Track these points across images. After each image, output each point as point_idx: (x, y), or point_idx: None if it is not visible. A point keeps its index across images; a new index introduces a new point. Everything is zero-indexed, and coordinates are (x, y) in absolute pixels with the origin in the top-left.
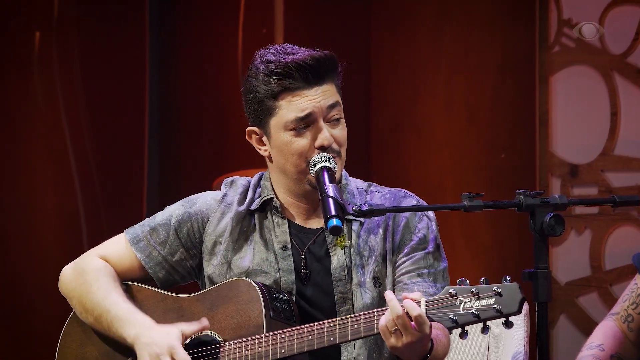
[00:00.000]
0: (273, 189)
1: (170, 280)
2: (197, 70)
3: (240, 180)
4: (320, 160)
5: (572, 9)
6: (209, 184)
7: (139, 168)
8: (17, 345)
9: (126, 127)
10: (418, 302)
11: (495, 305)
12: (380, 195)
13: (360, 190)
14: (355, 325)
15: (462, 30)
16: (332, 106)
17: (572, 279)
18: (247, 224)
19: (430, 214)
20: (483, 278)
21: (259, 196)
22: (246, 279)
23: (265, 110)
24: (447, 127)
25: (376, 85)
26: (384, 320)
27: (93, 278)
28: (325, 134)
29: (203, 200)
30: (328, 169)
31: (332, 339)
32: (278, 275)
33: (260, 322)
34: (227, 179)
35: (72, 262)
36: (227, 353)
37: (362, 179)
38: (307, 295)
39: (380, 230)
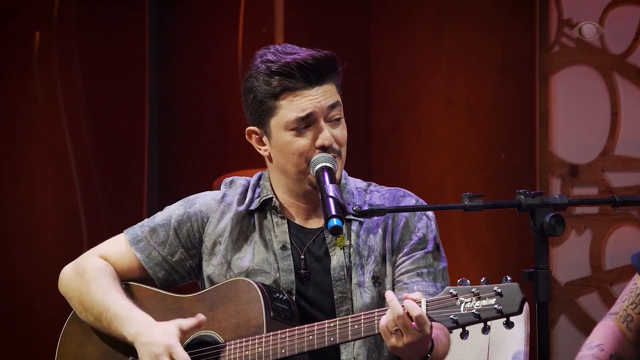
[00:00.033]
0: (272, 189)
1: (170, 281)
2: (197, 70)
3: (240, 180)
4: (320, 160)
5: (572, 9)
6: (209, 184)
7: (139, 168)
8: (17, 345)
9: (126, 127)
10: (419, 302)
11: (496, 306)
12: (379, 194)
13: (360, 190)
14: (356, 326)
15: (462, 30)
16: (332, 106)
17: (572, 279)
18: (246, 224)
19: (430, 213)
20: (484, 278)
21: (258, 196)
22: (246, 279)
23: (265, 110)
24: (447, 127)
25: (376, 85)
26: (385, 320)
27: (92, 277)
28: (326, 134)
29: (203, 201)
30: (328, 169)
31: (332, 339)
32: (278, 275)
33: (260, 322)
34: (226, 178)
35: (72, 262)
36: (227, 353)
37: (362, 179)
38: (307, 295)
39: (380, 230)
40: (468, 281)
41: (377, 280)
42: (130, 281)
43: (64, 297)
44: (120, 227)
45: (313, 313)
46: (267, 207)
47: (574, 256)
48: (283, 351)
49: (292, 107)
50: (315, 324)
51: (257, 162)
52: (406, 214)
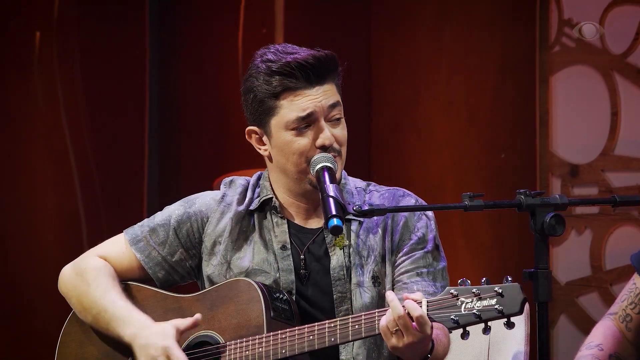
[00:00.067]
0: (272, 188)
1: (170, 281)
2: (197, 70)
3: (239, 180)
4: (321, 160)
5: (572, 9)
6: (209, 184)
7: (139, 168)
8: (17, 345)
9: (126, 127)
10: (419, 303)
11: (496, 306)
12: (379, 194)
13: (359, 190)
14: (357, 326)
15: (462, 30)
16: (333, 106)
17: (573, 279)
18: (246, 224)
19: (429, 213)
20: (484, 278)
21: (258, 196)
22: (246, 278)
23: (266, 109)
24: (447, 127)
25: (376, 85)
26: (385, 320)
27: (92, 277)
28: (327, 134)
29: (202, 200)
30: (329, 168)
31: (333, 339)
32: (278, 275)
33: (260, 322)
34: (226, 178)
35: (72, 262)
36: (227, 353)
37: (362, 179)
38: (307, 295)
39: (380, 230)
40: (469, 281)
41: (377, 280)
42: (130, 281)
43: (64, 297)
44: (120, 227)
45: (313, 313)
46: (266, 207)
47: (574, 256)
48: (283, 351)
49: (293, 106)
50: (316, 324)
51: (257, 162)
52: (406, 213)
